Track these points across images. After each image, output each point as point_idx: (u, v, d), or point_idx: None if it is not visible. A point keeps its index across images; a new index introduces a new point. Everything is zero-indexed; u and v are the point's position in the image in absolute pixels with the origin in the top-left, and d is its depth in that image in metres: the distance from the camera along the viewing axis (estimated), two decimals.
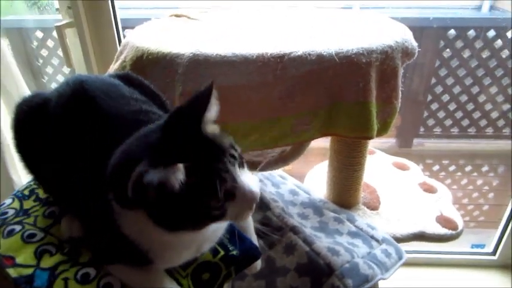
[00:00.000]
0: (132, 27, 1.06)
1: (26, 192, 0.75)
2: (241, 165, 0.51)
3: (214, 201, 0.47)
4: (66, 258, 0.60)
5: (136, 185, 0.43)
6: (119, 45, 1.24)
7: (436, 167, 2.38)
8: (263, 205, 1.03)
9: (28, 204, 0.72)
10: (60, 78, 1.89)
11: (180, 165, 0.44)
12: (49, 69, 1.86)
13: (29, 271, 0.58)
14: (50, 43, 1.78)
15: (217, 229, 0.59)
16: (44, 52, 1.82)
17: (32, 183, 0.76)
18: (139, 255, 0.52)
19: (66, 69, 1.78)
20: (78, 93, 0.61)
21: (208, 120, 0.51)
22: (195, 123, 0.49)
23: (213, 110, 0.51)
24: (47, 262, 0.59)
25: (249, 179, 0.50)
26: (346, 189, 1.14)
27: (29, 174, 0.69)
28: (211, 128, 0.51)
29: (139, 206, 0.47)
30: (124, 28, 1.32)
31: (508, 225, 1.56)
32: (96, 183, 0.54)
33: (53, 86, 1.86)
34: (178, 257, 0.57)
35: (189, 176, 0.45)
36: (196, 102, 0.50)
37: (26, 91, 1.28)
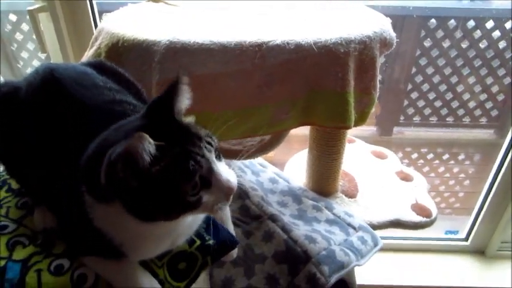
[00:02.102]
0: (110, 11, 1.03)
1: None
2: (218, 157, 0.51)
3: (188, 185, 0.46)
4: (40, 250, 0.59)
5: (109, 169, 0.43)
6: (95, 29, 1.21)
7: (414, 155, 2.43)
8: (242, 193, 1.04)
9: (0, 195, 0.70)
10: (36, 64, 1.83)
11: (144, 134, 0.42)
12: (24, 54, 1.80)
13: (1, 263, 0.57)
14: (25, 27, 1.73)
15: (193, 223, 0.59)
16: (19, 36, 1.76)
17: (4, 173, 0.75)
18: (112, 249, 0.52)
19: (42, 54, 1.73)
20: (48, 81, 0.60)
21: (181, 109, 0.51)
22: (168, 111, 0.49)
23: (185, 99, 0.51)
24: (20, 254, 0.58)
25: (227, 171, 0.51)
26: (325, 177, 1.15)
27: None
28: (188, 119, 0.51)
29: (112, 196, 0.47)
30: (101, 12, 1.29)
31: (480, 211, 1.61)
32: (68, 174, 0.53)
33: (29, 71, 1.81)
34: (152, 251, 0.57)
35: (163, 157, 0.44)
36: (168, 91, 0.50)
37: None
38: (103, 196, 0.48)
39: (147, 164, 0.43)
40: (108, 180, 0.43)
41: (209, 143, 0.49)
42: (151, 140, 0.43)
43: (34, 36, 1.59)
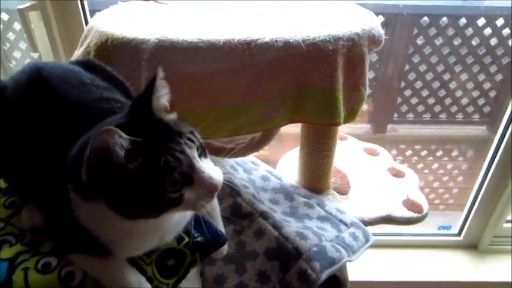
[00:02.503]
0: (101, 10, 1.03)
1: None
2: (203, 155, 0.51)
3: (167, 181, 0.46)
4: (27, 248, 0.59)
5: (88, 166, 0.43)
6: (85, 28, 1.20)
7: (408, 152, 2.44)
8: (233, 191, 1.04)
9: None
10: None
11: (114, 128, 0.43)
12: (16, 54, 1.79)
13: None
14: (17, 26, 1.72)
15: (180, 220, 0.59)
16: (11, 36, 1.75)
17: None
18: (99, 246, 0.52)
19: (34, 54, 1.72)
20: (34, 80, 0.60)
21: (162, 106, 0.51)
22: (148, 109, 0.49)
23: (164, 94, 0.51)
24: (7, 253, 0.58)
25: (211, 168, 0.51)
26: (316, 175, 1.16)
27: None
28: (169, 117, 0.51)
29: (96, 195, 0.47)
30: (92, 12, 1.29)
31: (472, 207, 1.63)
32: (55, 173, 0.53)
33: None
34: (139, 248, 0.57)
35: (140, 152, 0.44)
36: (146, 89, 0.50)
37: None
38: (87, 194, 0.48)
39: (123, 159, 0.44)
40: (89, 178, 0.43)
41: (191, 140, 0.49)
42: (122, 134, 0.43)
43: (26, 35, 1.59)
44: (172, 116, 0.52)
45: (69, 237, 0.55)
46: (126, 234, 0.53)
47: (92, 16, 1.26)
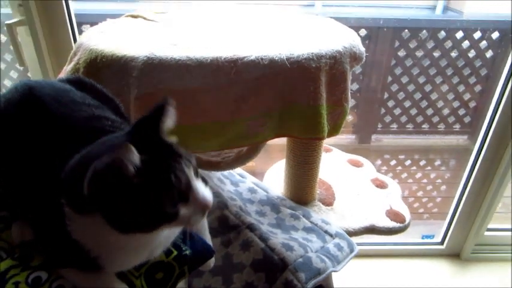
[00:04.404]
0: (89, 23, 1.04)
1: None
2: (195, 175, 0.54)
3: (167, 197, 0.48)
4: (17, 263, 0.60)
5: (94, 179, 0.45)
6: (74, 43, 1.22)
7: (393, 162, 2.50)
8: (221, 204, 1.06)
9: None
10: (14, 75, 1.83)
11: (131, 146, 0.45)
12: (1, 65, 1.79)
13: None
14: (2, 38, 1.72)
15: (170, 235, 0.60)
16: None
17: None
18: (89, 261, 0.53)
19: (20, 66, 1.72)
20: (26, 99, 0.61)
21: (166, 129, 0.53)
22: (154, 130, 0.52)
23: (170, 120, 0.54)
24: None
25: (204, 188, 0.53)
26: (302, 186, 1.18)
27: None
28: (170, 139, 0.54)
29: (93, 208, 0.48)
30: (80, 24, 1.30)
31: (454, 216, 1.67)
32: (46, 189, 0.55)
33: (6, 83, 1.80)
34: (129, 262, 0.58)
35: (145, 169, 0.46)
36: (156, 111, 0.53)
37: None
38: (83, 208, 0.49)
39: (131, 175, 0.46)
40: (91, 191, 0.45)
41: (189, 161, 0.52)
42: (135, 152, 0.45)
43: (12, 48, 1.59)
44: (173, 139, 0.54)
45: (60, 251, 0.56)
46: (118, 249, 0.54)
47: (80, 30, 1.28)
